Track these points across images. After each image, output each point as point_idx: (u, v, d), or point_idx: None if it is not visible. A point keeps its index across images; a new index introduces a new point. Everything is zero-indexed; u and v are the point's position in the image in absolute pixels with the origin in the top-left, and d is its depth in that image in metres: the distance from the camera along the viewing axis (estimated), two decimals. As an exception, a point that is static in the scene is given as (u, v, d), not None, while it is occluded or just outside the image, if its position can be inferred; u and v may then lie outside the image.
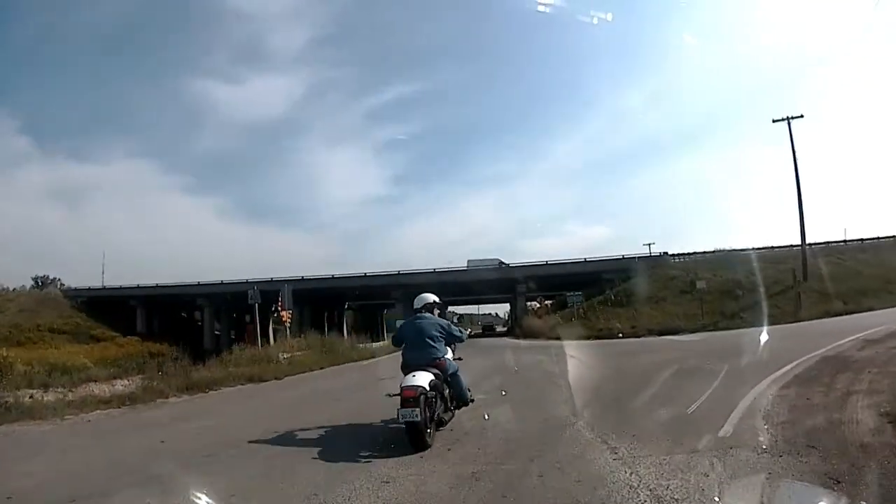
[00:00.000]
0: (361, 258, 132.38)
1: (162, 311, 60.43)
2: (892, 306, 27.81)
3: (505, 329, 62.57)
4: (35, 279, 72.38)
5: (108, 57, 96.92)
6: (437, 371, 6.92)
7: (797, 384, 8.92)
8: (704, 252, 48.13)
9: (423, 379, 6.62)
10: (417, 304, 7.80)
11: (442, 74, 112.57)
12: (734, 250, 45.73)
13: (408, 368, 6.99)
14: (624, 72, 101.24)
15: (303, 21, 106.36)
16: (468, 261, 52.56)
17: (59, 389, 12.28)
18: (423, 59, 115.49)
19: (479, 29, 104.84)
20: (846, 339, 14.09)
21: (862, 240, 44.93)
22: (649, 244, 51.79)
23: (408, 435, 6.29)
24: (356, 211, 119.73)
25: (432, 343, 7.16)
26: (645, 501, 4.12)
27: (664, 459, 5.16)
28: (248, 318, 49.28)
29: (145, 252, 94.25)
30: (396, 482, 5.00)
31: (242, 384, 14.74)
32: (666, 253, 48.51)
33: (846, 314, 27.98)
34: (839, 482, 4.08)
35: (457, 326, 8.06)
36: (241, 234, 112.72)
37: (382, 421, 7.73)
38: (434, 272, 50.18)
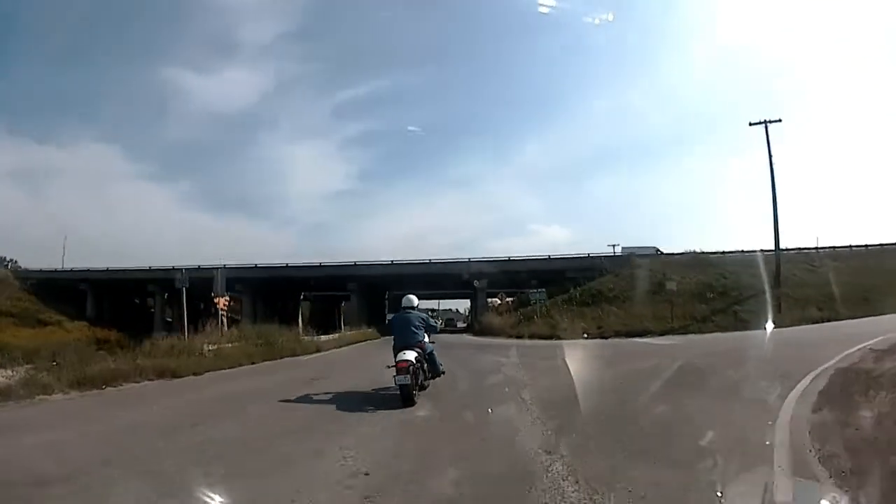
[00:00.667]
0: (325, 252, 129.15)
1: (113, 297, 56.96)
2: (868, 315, 26.40)
3: (465, 325, 60.53)
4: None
5: (78, 41, 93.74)
6: (419, 350, 9.42)
7: (829, 406, 6.83)
8: (673, 254, 46.77)
9: (410, 355, 9.04)
10: (405, 303, 10.43)
11: (411, 74, 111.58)
12: (704, 253, 44.41)
13: (398, 349, 9.33)
14: (594, 76, 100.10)
15: (274, 15, 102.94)
16: (622, 248, 48.90)
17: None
18: (392, 57, 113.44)
19: (451, 29, 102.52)
20: (853, 349, 12.18)
21: (834, 247, 43.87)
22: (613, 245, 50.08)
23: (401, 393, 8.63)
24: (321, 205, 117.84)
25: (415, 331, 9.68)
26: None
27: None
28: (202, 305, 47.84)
29: (108, 238, 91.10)
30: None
31: (151, 379, 12.15)
32: (632, 253, 46.88)
33: (823, 321, 26.61)
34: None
35: (433, 319, 11.41)
36: (205, 224, 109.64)
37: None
38: (392, 264, 47.76)
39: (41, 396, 9.80)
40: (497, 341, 27.41)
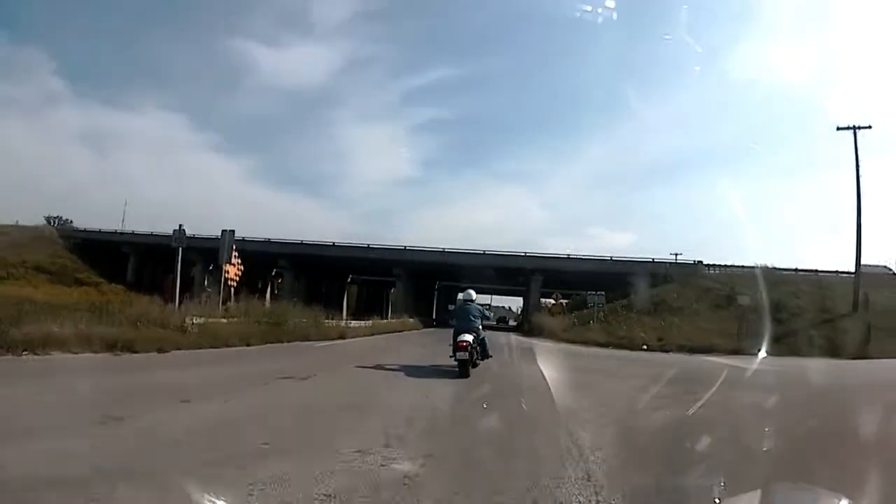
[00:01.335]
0: (382, 238, 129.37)
1: (156, 262, 55.03)
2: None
3: (515, 324, 58.24)
4: (48, 219, 68.98)
5: (151, 8, 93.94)
6: (474, 335, 11.58)
7: None
8: (743, 266, 43.19)
9: (468, 337, 11.28)
10: (465, 296, 12.82)
11: (483, 63, 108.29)
12: (776, 268, 40.89)
13: (458, 332, 11.51)
14: (661, 80, 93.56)
15: None
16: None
17: None
18: (465, 46, 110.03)
19: (526, 22, 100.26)
20: None
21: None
22: (676, 254, 46.85)
23: (459, 366, 11.02)
24: (383, 190, 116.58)
25: (473, 319, 11.96)
26: None
27: None
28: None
29: (168, 205, 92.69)
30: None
31: (96, 351, 10.56)
32: (700, 262, 43.75)
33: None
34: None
35: (488, 312, 14.79)
36: (265, 197, 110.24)
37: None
38: (443, 252, 45.94)
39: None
40: (547, 345, 25.20)
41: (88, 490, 3.59)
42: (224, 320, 16.21)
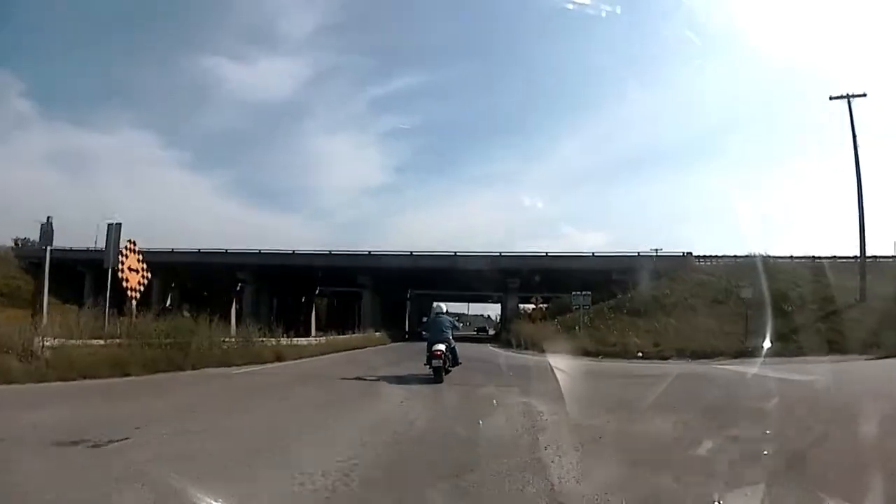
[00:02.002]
0: (356, 247, 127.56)
1: (116, 282, 51.75)
2: None
3: (495, 332, 54.84)
4: (15, 241, 65.34)
5: (118, 27, 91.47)
6: (446, 344, 12.54)
7: None
8: (736, 256, 39.80)
9: (442, 346, 12.32)
10: (436, 309, 14.67)
11: (448, 69, 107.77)
12: (773, 257, 37.55)
13: (432, 342, 12.52)
14: (634, 76, 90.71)
15: (314, 6, 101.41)
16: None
17: None
18: (430, 52, 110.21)
19: (488, 25, 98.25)
20: None
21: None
22: (655, 249, 43.42)
23: (433, 373, 12.08)
24: (357, 199, 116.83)
25: (444, 331, 12.90)
26: None
27: None
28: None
29: (142, 223, 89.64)
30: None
31: None
32: (689, 253, 40.49)
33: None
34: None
35: (458, 323, 17.22)
36: (239, 213, 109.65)
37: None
38: (410, 255, 42.20)
39: None
40: (525, 360, 21.42)
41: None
42: (99, 342, 12.20)
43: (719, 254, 40.75)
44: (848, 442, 5.89)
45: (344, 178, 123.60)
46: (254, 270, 44.57)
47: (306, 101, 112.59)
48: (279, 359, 17.26)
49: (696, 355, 22.08)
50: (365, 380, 12.51)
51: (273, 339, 19.71)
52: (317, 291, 57.36)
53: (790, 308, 27.67)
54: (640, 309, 30.26)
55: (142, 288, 16.09)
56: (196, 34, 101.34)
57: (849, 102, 29.71)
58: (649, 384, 12.04)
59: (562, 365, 16.57)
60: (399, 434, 6.36)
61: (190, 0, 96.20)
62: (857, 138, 29.68)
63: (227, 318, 51.44)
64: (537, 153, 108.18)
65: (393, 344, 34.46)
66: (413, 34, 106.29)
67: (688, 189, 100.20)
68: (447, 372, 12.39)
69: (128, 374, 11.17)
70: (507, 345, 30.34)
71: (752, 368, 15.89)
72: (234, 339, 16.99)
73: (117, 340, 12.75)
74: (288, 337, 23.94)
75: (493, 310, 74.88)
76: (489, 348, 30.69)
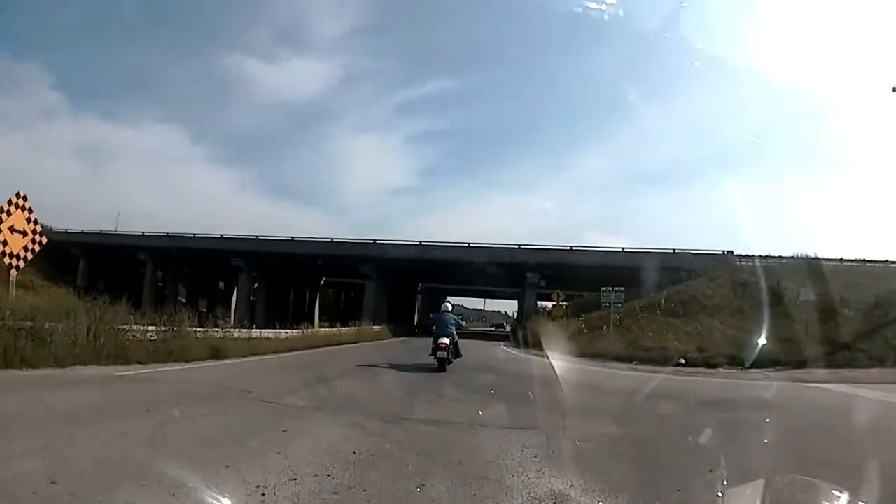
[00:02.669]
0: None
1: (111, 264, 49.74)
2: None
3: (509, 329, 50.93)
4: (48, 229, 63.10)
5: (149, 22, 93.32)
6: (450, 338, 13.89)
7: None
8: (781, 257, 35.81)
9: (446, 340, 13.69)
10: (444, 308, 15.42)
11: (476, 74, 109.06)
12: (819, 259, 33.54)
13: (437, 336, 13.83)
14: (659, 87, 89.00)
15: (346, 8, 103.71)
16: None
17: None
18: (458, 57, 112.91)
19: (519, 32, 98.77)
20: None
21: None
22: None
23: (437, 364, 13.48)
24: (379, 199, 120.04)
25: (449, 327, 14.19)
26: None
27: None
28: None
29: (167, 217, 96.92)
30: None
31: None
32: (730, 252, 36.44)
33: None
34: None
35: (462, 321, 16.94)
36: (263, 208, 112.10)
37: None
38: (419, 246, 38.53)
39: None
40: (542, 365, 17.46)
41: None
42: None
43: (762, 254, 36.99)
44: None
45: (367, 179, 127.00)
46: (249, 257, 41.25)
47: (334, 103, 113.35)
48: (217, 356, 13.71)
49: (751, 363, 18.27)
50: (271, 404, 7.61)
51: (219, 331, 16.39)
52: (322, 283, 53.98)
53: (850, 312, 23.79)
54: (677, 309, 26.34)
55: (30, 255, 12.38)
56: (227, 32, 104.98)
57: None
58: (745, 424, 7.92)
59: (585, 375, 13.20)
60: None
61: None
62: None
63: (228, 307, 49.06)
64: (560, 160, 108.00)
65: (395, 339, 30.86)
66: (441, 40, 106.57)
67: (718, 197, 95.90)
68: (450, 363, 13.91)
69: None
70: (524, 344, 26.57)
71: (862, 391, 11.92)
72: (159, 329, 13.24)
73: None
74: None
75: (511, 307, 71.15)
76: (501, 348, 26.97)
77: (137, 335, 12.08)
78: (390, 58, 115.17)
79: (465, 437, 6.05)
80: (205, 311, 54.46)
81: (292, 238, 41.38)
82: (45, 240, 12.82)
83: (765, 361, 18.38)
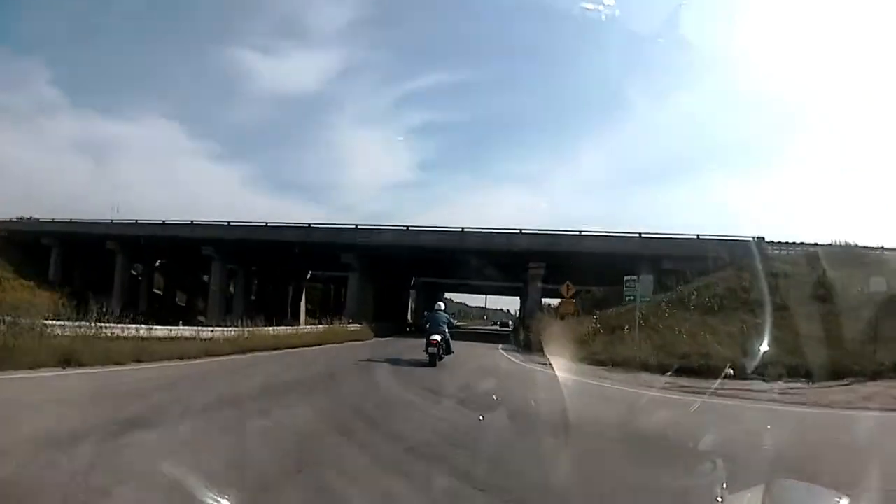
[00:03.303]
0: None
1: (85, 255, 45.48)
2: None
3: (510, 328, 46.57)
4: (19, 219, 60.38)
5: (147, 17, 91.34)
6: (441, 336, 15.22)
7: None
8: (817, 244, 31.51)
9: (438, 336, 14.99)
10: (437, 307, 17.11)
11: (477, 67, 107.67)
12: (861, 247, 29.29)
13: (430, 333, 15.25)
14: (662, 83, 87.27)
15: (345, 0, 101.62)
16: None
17: None
18: (459, 50, 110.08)
19: (519, 25, 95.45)
20: None
21: None
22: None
23: (429, 359, 14.64)
24: (382, 193, 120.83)
25: (441, 325, 15.64)
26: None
27: None
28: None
29: (168, 213, 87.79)
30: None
31: None
32: (762, 238, 32.07)
33: None
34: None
35: (454, 320, 21.42)
36: (265, 204, 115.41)
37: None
38: (407, 231, 33.99)
39: None
40: (546, 380, 13.04)
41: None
42: None
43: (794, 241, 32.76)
44: None
45: (371, 172, 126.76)
46: (221, 245, 36.85)
47: (334, 96, 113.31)
48: (69, 363, 9.45)
49: (818, 374, 13.99)
50: None
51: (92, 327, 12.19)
52: (308, 276, 49.59)
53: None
54: (712, 305, 21.89)
55: None
56: (225, 26, 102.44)
57: None
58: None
59: (634, 419, 8.85)
60: None
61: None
62: None
63: (205, 300, 44.79)
64: (562, 153, 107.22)
65: (376, 340, 26.43)
66: (441, 31, 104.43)
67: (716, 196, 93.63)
68: (440, 358, 15.12)
69: None
70: (525, 347, 22.19)
71: None
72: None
73: None
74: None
75: (515, 305, 66.71)
76: (499, 353, 22.59)
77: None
78: (388, 50, 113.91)
79: None
80: (183, 305, 51.28)
81: (265, 224, 36.88)
82: None
83: (838, 370, 14.19)
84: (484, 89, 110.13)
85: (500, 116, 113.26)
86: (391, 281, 42.00)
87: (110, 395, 8.09)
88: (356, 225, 35.46)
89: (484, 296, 73.21)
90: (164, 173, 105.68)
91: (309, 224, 36.17)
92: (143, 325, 15.42)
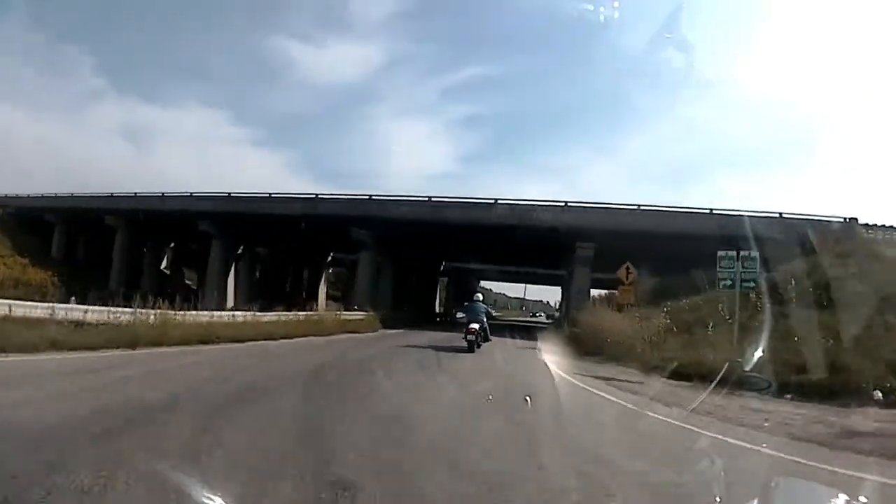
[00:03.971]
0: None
1: (90, 231, 43.10)
2: None
3: (551, 321, 41.76)
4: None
5: (191, 5, 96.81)
6: (480, 324, 16.80)
7: None
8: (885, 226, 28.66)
9: (476, 325, 16.58)
10: (476, 298, 18.87)
11: (520, 60, 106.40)
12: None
13: (469, 322, 16.84)
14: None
15: None
16: None
17: None
18: (502, 42, 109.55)
19: (562, 17, 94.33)
20: None
21: None
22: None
23: (468, 346, 16.32)
24: (421, 184, 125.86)
25: (479, 315, 17.19)
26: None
27: None
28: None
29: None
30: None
31: None
32: (854, 219, 26.93)
33: None
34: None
35: (491, 311, 21.37)
36: (302, 190, 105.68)
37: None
38: (429, 202, 29.22)
39: None
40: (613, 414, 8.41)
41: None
42: None
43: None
44: None
45: (411, 163, 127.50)
46: (220, 219, 32.88)
47: (377, 86, 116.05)
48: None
49: None
50: None
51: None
52: (329, 258, 45.60)
53: None
54: (820, 299, 16.70)
55: None
56: (269, 15, 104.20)
57: None
58: None
59: None
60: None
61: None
62: None
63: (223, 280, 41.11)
64: (601, 147, 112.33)
65: (384, 331, 22.46)
66: (484, 25, 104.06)
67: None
68: (479, 346, 16.58)
69: None
70: (570, 348, 17.21)
71: None
72: None
73: None
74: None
75: (554, 296, 60.90)
76: (538, 358, 17.52)
77: None
78: (432, 42, 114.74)
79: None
80: (191, 284, 48.06)
81: (269, 195, 32.58)
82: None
83: None
84: (527, 81, 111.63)
85: (540, 109, 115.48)
86: (415, 265, 37.45)
87: None
88: (370, 195, 31.02)
89: (523, 285, 68.58)
90: (209, 159, 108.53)
91: (316, 195, 31.83)
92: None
